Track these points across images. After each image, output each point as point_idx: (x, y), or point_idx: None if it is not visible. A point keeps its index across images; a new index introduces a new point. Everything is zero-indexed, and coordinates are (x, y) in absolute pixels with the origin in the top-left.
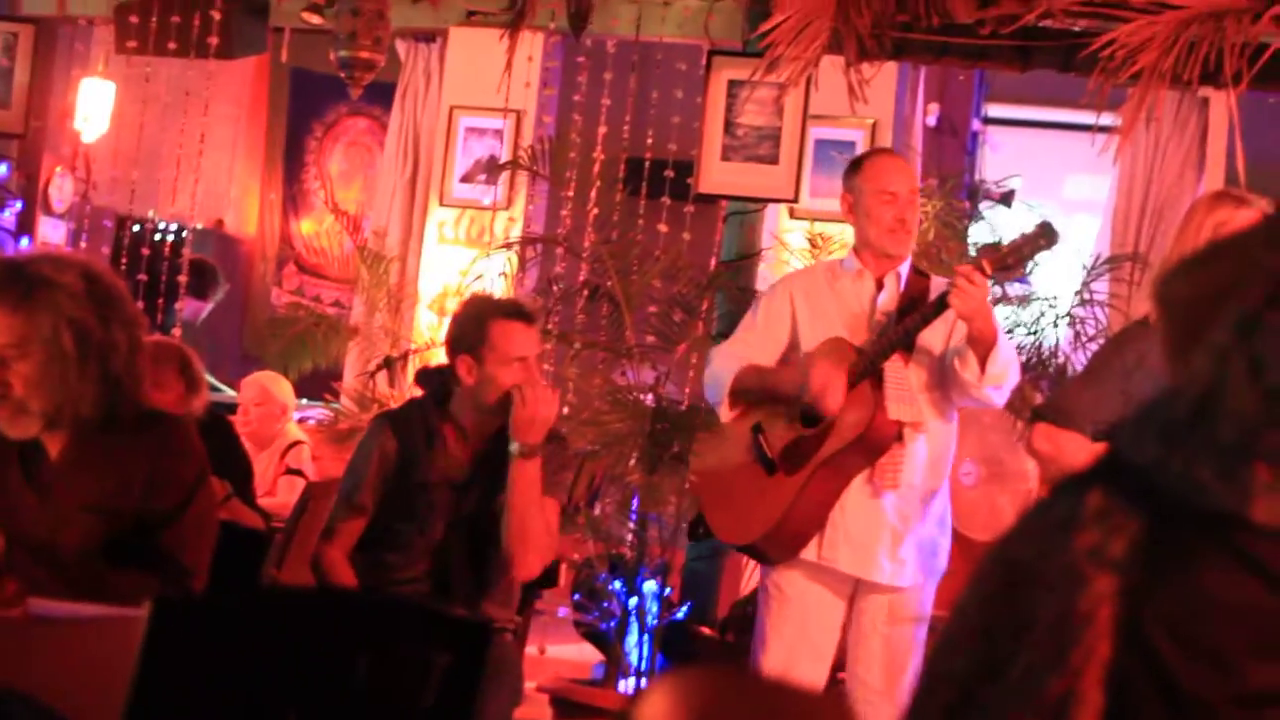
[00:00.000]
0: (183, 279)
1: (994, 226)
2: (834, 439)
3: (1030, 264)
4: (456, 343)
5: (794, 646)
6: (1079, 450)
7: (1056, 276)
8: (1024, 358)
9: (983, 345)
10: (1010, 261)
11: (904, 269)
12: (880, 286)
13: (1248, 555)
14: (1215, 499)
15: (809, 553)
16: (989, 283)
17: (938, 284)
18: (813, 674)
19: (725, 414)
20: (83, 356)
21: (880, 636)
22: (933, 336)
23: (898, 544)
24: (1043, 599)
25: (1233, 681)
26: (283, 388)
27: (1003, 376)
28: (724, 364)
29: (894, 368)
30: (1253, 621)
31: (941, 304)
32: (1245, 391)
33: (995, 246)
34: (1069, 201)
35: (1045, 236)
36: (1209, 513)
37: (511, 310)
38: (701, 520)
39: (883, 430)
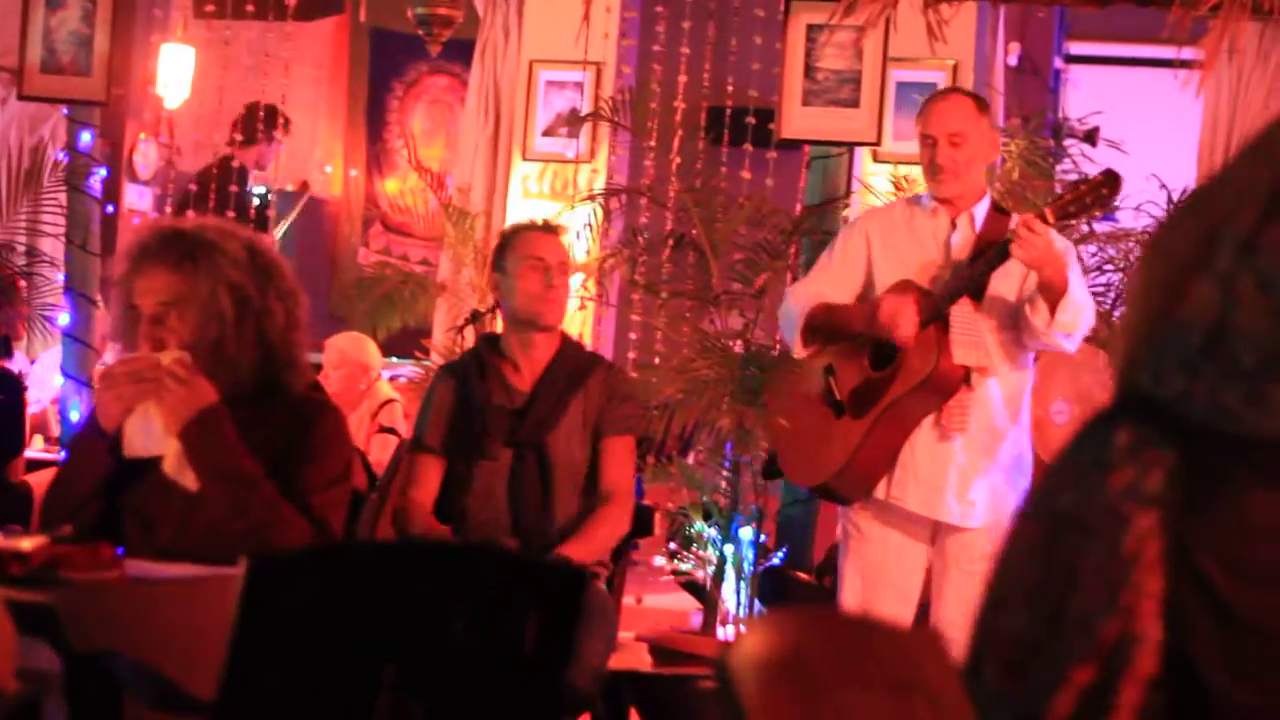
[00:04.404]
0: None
1: (1078, 164)
2: (900, 383)
3: (1098, 209)
4: (492, 268)
5: (874, 584)
6: None
7: (1145, 212)
8: (1113, 293)
9: (1052, 292)
10: (1073, 210)
11: (980, 208)
12: (954, 226)
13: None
14: (1247, 424)
15: (879, 492)
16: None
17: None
18: (895, 612)
19: (799, 351)
20: (240, 320)
21: (958, 575)
22: (1007, 281)
23: (966, 486)
24: (1087, 544)
25: None
26: (365, 348)
27: (1073, 324)
28: (797, 302)
29: (961, 312)
30: None
31: (1004, 251)
32: (1258, 312)
33: (1059, 196)
34: (1153, 137)
35: (1108, 184)
36: (1243, 438)
37: (529, 224)
38: (774, 459)
39: (948, 374)
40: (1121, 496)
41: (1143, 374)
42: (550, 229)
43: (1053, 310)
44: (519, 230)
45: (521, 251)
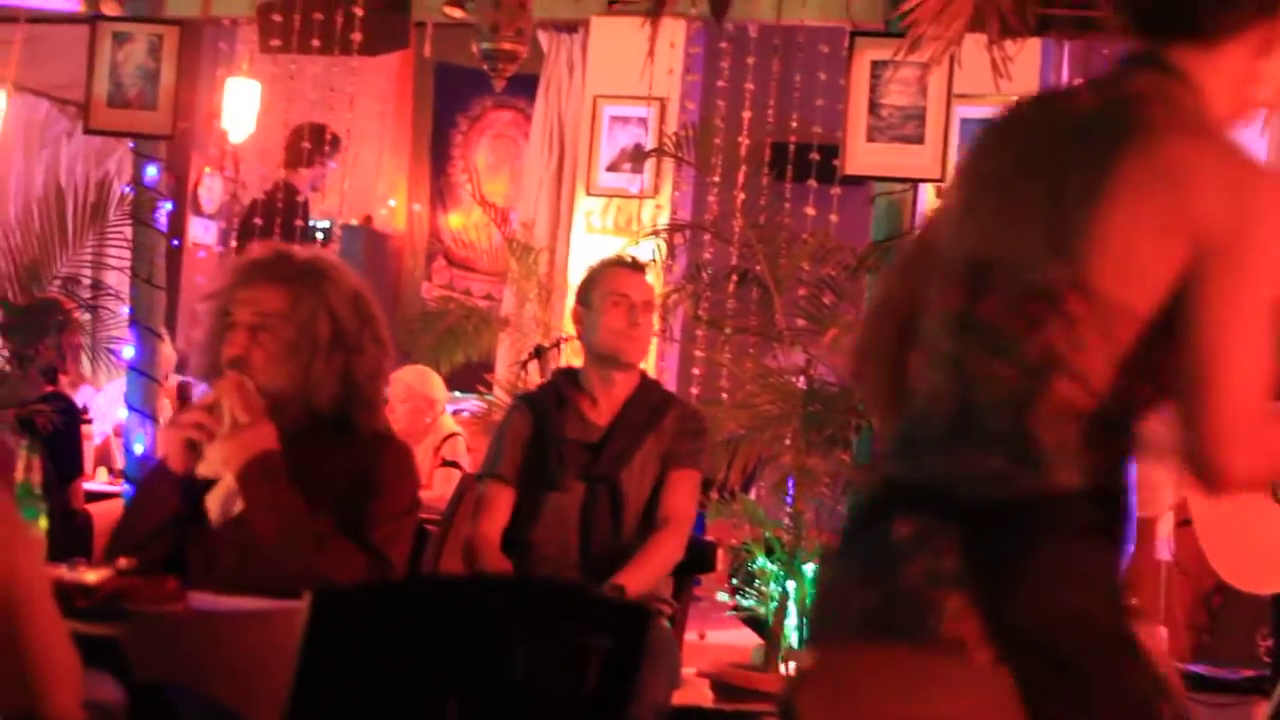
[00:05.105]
0: None
1: None
2: None
3: None
4: (577, 302)
5: None
6: None
7: None
8: None
9: None
10: None
11: None
12: None
13: (1072, 522)
14: (1021, 485)
15: None
16: None
17: None
18: None
19: None
20: (331, 350)
21: None
22: None
23: None
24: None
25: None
26: (430, 382)
27: None
28: None
29: None
30: (1105, 575)
31: None
32: (997, 381)
33: None
34: None
35: None
36: (1019, 500)
37: (616, 260)
38: None
39: None
40: (924, 583)
41: (895, 466)
42: (637, 266)
43: None
44: (606, 266)
45: (606, 287)
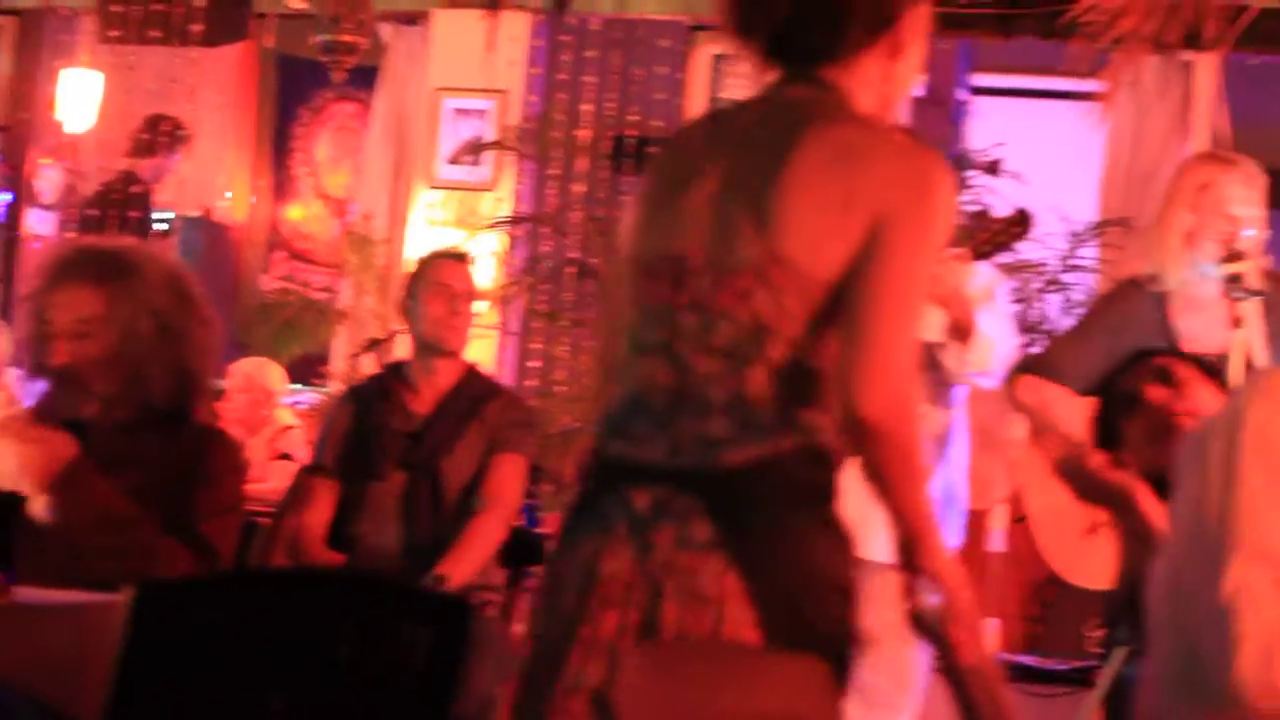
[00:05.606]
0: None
1: (980, 196)
2: None
3: (1010, 247)
4: (405, 296)
5: None
6: (1062, 404)
7: (1045, 244)
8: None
9: (961, 332)
10: (988, 249)
11: None
12: None
13: (803, 479)
14: (748, 447)
15: None
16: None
17: None
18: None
19: None
20: (158, 344)
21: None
22: (927, 320)
23: None
24: (651, 602)
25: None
26: (269, 374)
27: (984, 363)
28: None
29: None
30: (838, 530)
31: None
32: (704, 356)
33: (970, 235)
34: (1055, 169)
35: (1021, 223)
36: (751, 462)
37: (440, 252)
38: None
39: None
40: (675, 549)
41: (617, 445)
42: (459, 257)
43: (964, 349)
44: (430, 258)
45: (429, 278)
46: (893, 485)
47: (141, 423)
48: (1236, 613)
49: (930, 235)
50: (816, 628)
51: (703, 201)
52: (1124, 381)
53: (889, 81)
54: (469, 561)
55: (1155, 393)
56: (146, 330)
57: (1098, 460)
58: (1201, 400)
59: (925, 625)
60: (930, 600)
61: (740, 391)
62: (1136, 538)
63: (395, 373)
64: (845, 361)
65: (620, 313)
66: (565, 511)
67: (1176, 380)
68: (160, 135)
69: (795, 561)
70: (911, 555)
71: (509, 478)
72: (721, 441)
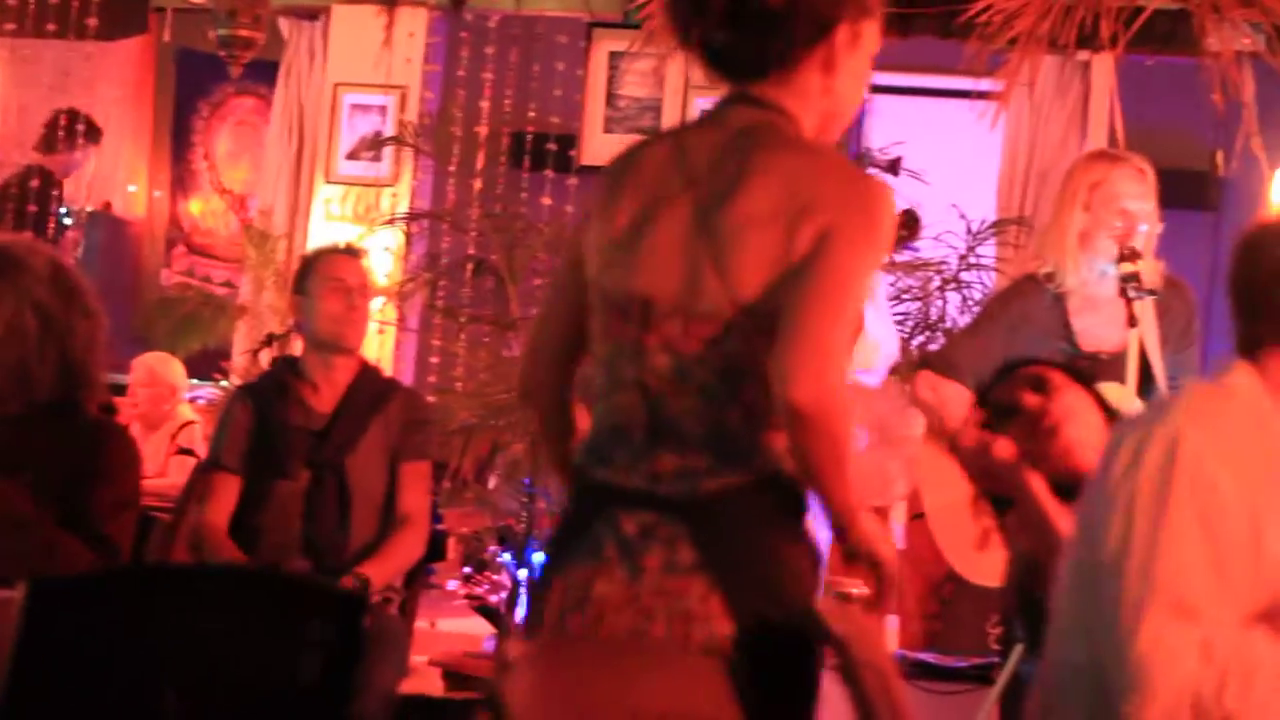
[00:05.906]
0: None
1: None
2: None
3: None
4: (293, 291)
5: None
6: (960, 400)
7: (944, 242)
8: (911, 322)
9: None
10: None
11: None
12: None
13: (780, 505)
14: (726, 477)
15: None
16: None
17: None
18: None
19: None
20: (43, 340)
21: None
22: None
23: None
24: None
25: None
26: (172, 369)
27: (869, 361)
28: None
29: None
30: (808, 551)
31: None
32: (678, 396)
33: None
34: (954, 167)
35: (906, 225)
36: (730, 490)
37: (332, 247)
38: None
39: None
40: (662, 574)
41: (603, 473)
42: (352, 252)
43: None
44: (321, 253)
45: (323, 274)
46: (821, 470)
47: (28, 418)
48: (1148, 670)
49: (869, 249)
50: (784, 636)
51: (669, 243)
52: (998, 392)
53: (829, 97)
54: (390, 570)
55: (1030, 399)
56: (32, 327)
57: (1000, 448)
58: (1074, 406)
59: (838, 615)
60: (856, 589)
61: (717, 428)
62: (1031, 529)
63: (291, 369)
64: (780, 352)
65: (547, 330)
66: (554, 530)
67: (1050, 387)
68: (72, 131)
69: (770, 578)
70: (843, 537)
71: (421, 490)
72: (701, 472)
